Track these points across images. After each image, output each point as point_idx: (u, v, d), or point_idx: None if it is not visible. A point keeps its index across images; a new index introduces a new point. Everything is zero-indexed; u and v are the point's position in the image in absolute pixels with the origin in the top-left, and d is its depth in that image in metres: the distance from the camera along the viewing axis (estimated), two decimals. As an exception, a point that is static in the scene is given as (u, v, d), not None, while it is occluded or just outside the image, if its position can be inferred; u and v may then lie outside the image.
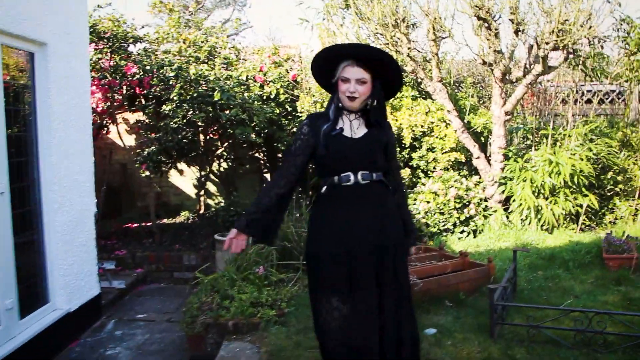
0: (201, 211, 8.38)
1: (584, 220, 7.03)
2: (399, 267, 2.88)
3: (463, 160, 7.65)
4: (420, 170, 7.62)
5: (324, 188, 2.89)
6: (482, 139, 7.92)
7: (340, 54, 2.87)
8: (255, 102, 6.79)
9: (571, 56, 6.74)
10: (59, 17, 4.66)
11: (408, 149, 7.55)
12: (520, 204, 6.88)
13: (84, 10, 5.23)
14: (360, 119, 2.91)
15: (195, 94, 6.61)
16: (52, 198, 4.59)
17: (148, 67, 6.90)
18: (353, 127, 2.88)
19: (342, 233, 2.80)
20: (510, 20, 6.59)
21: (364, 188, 2.84)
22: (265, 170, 8.91)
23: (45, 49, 4.48)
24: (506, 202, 7.24)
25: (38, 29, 4.32)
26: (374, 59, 2.86)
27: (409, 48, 7.07)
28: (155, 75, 6.94)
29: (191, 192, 9.22)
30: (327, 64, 2.91)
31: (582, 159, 6.78)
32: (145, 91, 7.23)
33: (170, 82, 6.83)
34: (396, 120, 7.38)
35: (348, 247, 2.78)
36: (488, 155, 7.53)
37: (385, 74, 2.89)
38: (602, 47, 6.91)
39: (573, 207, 6.81)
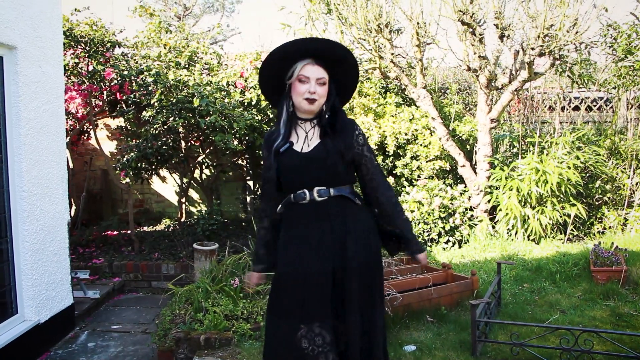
0: (182, 219, 8.21)
1: (572, 230, 6.93)
2: (367, 290, 2.61)
3: (448, 169, 7.53)
4: (404, 179, 7.50)
5: (279, 207, 2.69)
6: (468, 147, 7.82)
7: (298, 52, 2.57)
8: (236, 109, 6.62)
9: (558, 62, 6.66)
10: (30, 20, 4.54)
11: (392, 157, 7.43)
12: (507, 214, 6.78)
13: (57, 14, 5.08)
14: (316, 128, 2.65)
15: (174, 100, 6.46)
16: (21, 206, 4.47)
17: (125, 72, 6.74)
18: (307, 139, 2.63)
19: (296, 256, 2.58)
20: (495, 25, 6.51)
21: (321, 206, 2.59)
22: (249, 177, 8.77)
23: (15, 53, 4.36)
24: (492, 211, 7.15)
25: (6, 31, 4.20)
26: (336, 57, 2.61)
27: (392, 54, 6.98)
28: (133, 80, 6.79)
29: (173, 199, 9.08)
30: (278, 66, 2.62)
31: (569, 168, 6.70)
32: (125, 97, 7.07)
33: (150, 88, 6.67)
34: (379, 127, 7.26)
35: (302, 270, 2.55)
36: (473, 163, 7.43)
37: (343, 74, 2.68)
38: (589, 54, 6.85)
39: (560, 216, 6.73)
